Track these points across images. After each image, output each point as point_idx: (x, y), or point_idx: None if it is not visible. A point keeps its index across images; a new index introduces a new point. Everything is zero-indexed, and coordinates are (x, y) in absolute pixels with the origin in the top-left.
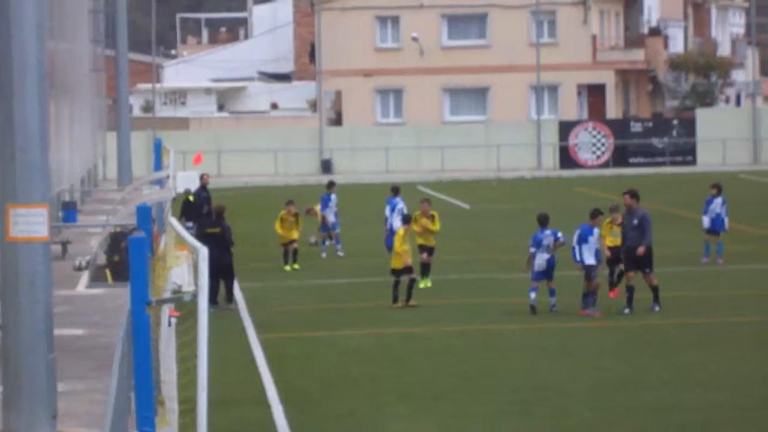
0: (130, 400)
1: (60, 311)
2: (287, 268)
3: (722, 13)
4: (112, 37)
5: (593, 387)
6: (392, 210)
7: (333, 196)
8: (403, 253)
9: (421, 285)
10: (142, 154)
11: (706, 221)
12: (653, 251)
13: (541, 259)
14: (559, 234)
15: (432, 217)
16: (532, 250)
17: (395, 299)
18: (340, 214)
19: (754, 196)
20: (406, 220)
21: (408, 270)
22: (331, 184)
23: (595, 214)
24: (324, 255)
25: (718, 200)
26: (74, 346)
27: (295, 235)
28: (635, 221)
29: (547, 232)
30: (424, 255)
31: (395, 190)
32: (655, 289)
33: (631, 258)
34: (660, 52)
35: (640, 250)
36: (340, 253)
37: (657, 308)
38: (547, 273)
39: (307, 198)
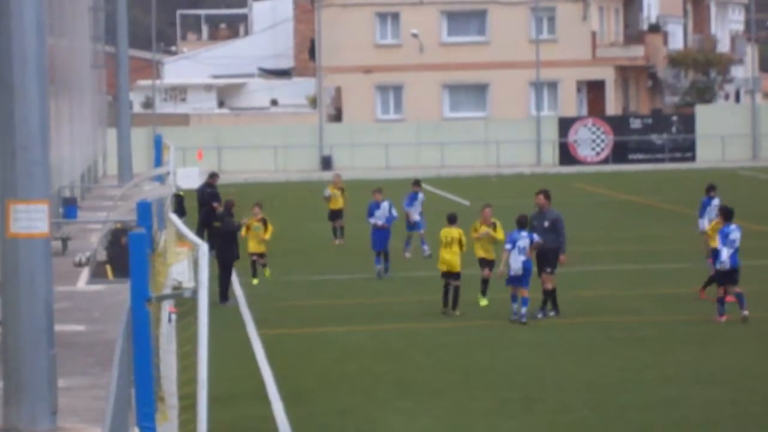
0: (130, 396)
1: (60, 307)
2: (254, 281)
3: (722, 10)
4: (113, 33)
5: (593, 383)
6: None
7: (420, 195)
8: (446, 253)
9: (482, 303)
10: (143, 151)
11: (703, 224)
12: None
13: (517, 262)
14: (535, 236)
15: (494, 225)
16: (508, 246)
17: (445, 304)
18: (425, 213)
19: (754, 193)
20: (451, 220)
21: (455, 276)
22: (417, 182)
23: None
24: (408, 255)
25: (716, 201)
26: (75, 341)
27: (262, 247)
28: (546, 223)
29: (524, 233)
30: (486, 270)
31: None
32: (550, 293)
33: (543, 260)
34: (659, 48)
35: (562, 258)
36: (427, 253)
37: (553, 313)
38: (523, 278)
39: (308, 194)
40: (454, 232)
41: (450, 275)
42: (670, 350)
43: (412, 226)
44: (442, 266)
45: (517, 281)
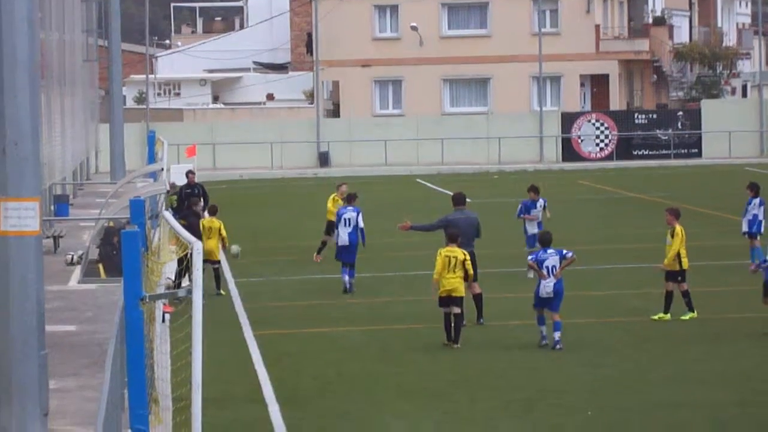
0: (123, 397)
1: (52, 307)
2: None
3: (728, 2)
4: (105, 26)
5: (596, 384)
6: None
7: (540, 201)
8: (448, 278)
9: (686, 317)
10: (136, 147)
11: (744, 224)
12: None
13: (548, 286)
14: (564, 251)
15: (673, 232)
16: (531, 258)
17: (449, 338)
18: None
19: (762, 190)
20: (452, 238)
21: (458, 301)
22: (535, 189)
23: None
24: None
25: (756, 201)
26: (66, 342)
27: (215, 254)
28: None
29: (551, 251)
30: (677, 284)
31: (351, 197)
32: (479, 297)
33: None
34: (664, 41)
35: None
36: (530, 275)
37: (482, 321)
38: (554, 301)
39: (305, 191)
40: (459, 253)
41: (452, 300)
42: (675, 351)
43: (532, 239)
44: (443, 293)
45: (546, 303)
